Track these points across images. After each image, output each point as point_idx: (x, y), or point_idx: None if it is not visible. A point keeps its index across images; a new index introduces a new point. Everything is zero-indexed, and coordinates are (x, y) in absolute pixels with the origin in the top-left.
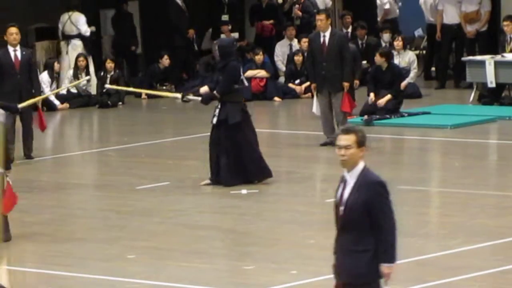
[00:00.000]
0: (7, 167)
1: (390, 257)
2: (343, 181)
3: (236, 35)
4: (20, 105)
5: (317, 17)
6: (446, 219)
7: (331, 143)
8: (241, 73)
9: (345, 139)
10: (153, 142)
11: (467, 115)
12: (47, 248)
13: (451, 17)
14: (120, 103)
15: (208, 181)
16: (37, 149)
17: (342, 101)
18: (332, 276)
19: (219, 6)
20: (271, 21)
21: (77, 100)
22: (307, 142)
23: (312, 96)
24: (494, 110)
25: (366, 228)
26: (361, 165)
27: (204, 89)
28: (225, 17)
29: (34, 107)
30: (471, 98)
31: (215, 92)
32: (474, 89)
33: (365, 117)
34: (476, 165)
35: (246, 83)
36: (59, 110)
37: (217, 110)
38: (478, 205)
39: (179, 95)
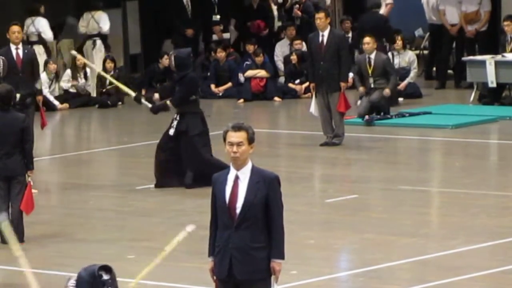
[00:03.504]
0: (29, 167)
1: (282, 253)
2: (235, 179)
3: (227, 35)
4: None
5: (316, 15)
6: (447, 219)
7: (331, 143)
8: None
9: (237, 136)
10: (153, 142)
11: (468, 115)
12: (47, 248)
13: (451, 17)
14: (120, 103)
15: (153, 186)
16: (37, 149)
17: (338, 101)
18: (332, 276)
19: (210, 6)
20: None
21: (77, 100)
22: (307, 142)
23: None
24: (495, 110)
25: (262, 225)
26: (250, 162)
27: (156, 97)
28: (216, 18)
29: (36, 106)
30: (472, 98)
31: (168, 101)
32: (475, 89)
33: (366, 117)
34: (476, 165)
35: (200, 94)
36: (59, 110)
37: (175, 122)
38: (478, 205)
39: (133, 93)
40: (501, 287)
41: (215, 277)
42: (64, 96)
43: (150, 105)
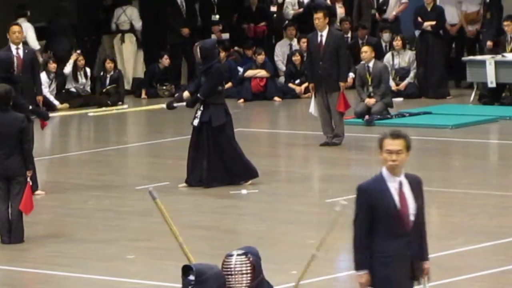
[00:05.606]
0: (28, 167)
1: (428, 253)
2: (399, 185)
3: (227, 35)
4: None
5: (315, 15)
6: (447, 219)
7: (331, 143)
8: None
9: (396, 144)
10: (153, 142)
11: (468, 115)
12: (47, 248)
13: (451, 17)
14: (120, 103)
15: (185, 184)
16: (36, 149)
17: (337, 101)
18: (332, 276)
19: (210, 6)
20: (264, 23)
21: (77, 100)
22: (307, 142)
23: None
24: (495, 110)
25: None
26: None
27: (186, 94)
28: (215, 18)
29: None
30: (472, 98)
31: (198, 95)
32: (475, 89)
33: (366, 117)
34: (476, 165)
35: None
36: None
37: (199, 112)
38: (478, 205)
39: (164, 105)
40: (501, 287)
41: None
42: (64, 96)
43: (184, 103)
